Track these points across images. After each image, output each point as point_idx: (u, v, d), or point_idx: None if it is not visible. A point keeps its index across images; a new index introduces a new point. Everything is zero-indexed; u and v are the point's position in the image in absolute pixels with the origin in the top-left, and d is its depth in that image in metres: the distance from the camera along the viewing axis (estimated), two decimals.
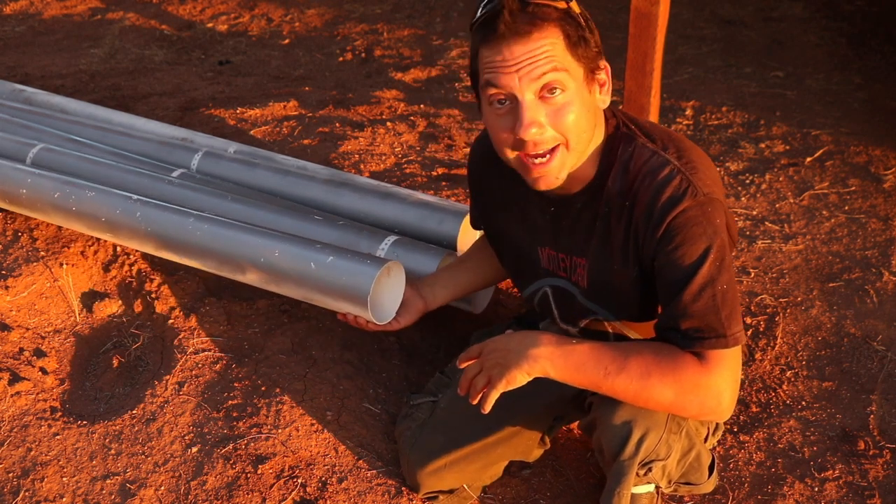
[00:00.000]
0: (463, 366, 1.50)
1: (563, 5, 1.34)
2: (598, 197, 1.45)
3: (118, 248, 2.46)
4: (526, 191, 1.55)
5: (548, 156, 1.37)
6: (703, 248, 1.35)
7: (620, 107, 2.86)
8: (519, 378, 1.41)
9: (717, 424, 1.62)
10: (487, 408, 1.43)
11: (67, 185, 2.34)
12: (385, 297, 1.84)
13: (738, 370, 1.41)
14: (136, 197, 2.23)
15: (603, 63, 1.41)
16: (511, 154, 1.40)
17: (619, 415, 1.46)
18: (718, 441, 1.85)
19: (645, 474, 1.50)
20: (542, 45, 1.30)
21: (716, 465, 1.58)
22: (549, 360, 1.39)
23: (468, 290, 1.91)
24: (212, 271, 2.11)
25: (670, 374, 1.36)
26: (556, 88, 1.33)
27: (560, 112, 1.34)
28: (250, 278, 2.01)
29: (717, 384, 1.37)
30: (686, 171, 1.37)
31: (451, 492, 1.76)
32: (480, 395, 1.44)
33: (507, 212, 1.64)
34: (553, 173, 1.40)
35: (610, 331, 1.62)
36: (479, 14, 1.36)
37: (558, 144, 1.37)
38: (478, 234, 2.06)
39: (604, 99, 1.43)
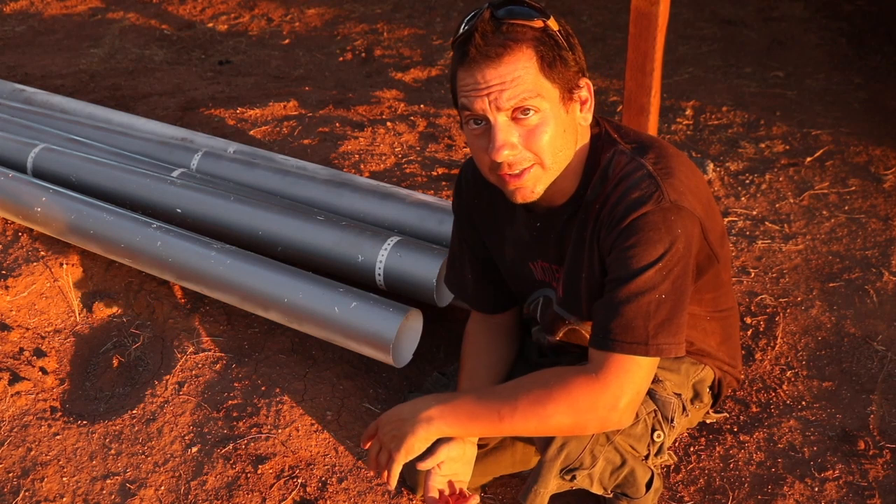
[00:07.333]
0: (366, 446, 1.54)
1: (539, 24, 1.32)
2: (580, 207, 1.45)
3: None
4: (513, 214, 1.57)
5: (523, 173, 1.37)
6: (655, 254, 1.34)
7: (620, 107, 2.86)
8: (417, 445, 1.43)
9: (659, 447, 1.60)
10: (392, 483, 1.46)
11: (86, 205, 2.31)
12: (403, 341, 1.92)
13: (644, 380, 1.39)
14: (156, 224, 2.23)
15: (583, 81, 1.39)
16: (490, 172, 1.41)
17: None
18: (721, 452, 1.86)
19: (570, 480, 1.50)
20: (514, 70, 1.30)
21: (654, 482, 1.57)
22: (440, 419, 1.42)
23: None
24: (233, 304, 2.12)
25: (563, 399, 1.36)
26: (528, 110, 1.32)
27: (533, 133, 1.34)
28: (273, 315, 2.03)
29: (611, 394, 1.36)
30: (658, 177, 1.36)
31: None
32: (386, 472, 1.46)
33: (497, 234, 1.65)
34: (528, 188, 1.40)
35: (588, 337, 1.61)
36: (458, 32, 1.35)
37: (533, 164, 1.37)
38: None
39: (585, 116, 1.41)
